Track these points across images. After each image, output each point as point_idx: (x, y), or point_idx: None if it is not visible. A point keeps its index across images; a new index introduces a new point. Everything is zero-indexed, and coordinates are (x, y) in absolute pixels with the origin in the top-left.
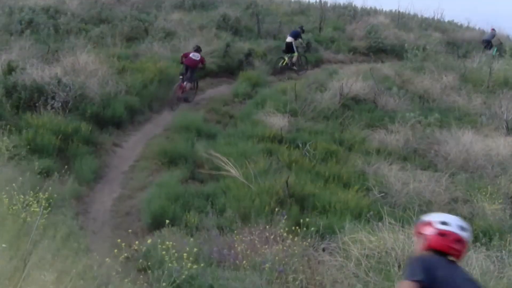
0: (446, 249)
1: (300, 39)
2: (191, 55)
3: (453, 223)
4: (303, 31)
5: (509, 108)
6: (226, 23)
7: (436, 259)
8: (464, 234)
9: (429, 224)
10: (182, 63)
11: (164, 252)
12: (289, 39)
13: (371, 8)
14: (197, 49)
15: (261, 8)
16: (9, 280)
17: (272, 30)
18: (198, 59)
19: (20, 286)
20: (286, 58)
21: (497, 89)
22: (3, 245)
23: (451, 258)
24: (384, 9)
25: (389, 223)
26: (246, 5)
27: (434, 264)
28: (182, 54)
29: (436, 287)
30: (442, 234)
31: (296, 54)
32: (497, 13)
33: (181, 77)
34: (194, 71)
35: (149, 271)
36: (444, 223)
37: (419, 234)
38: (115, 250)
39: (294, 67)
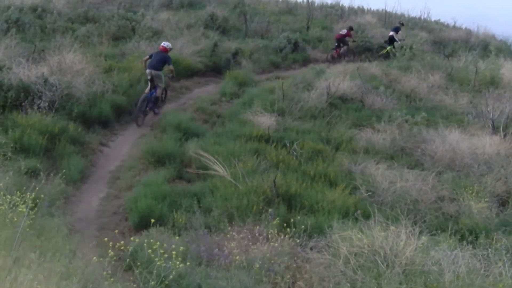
0: (161, 49)
1: (400, 33)
2: (341, 31)
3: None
4: (402, 24)
5: (495, 107)
6: (213, 23)
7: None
8: (166, 45)
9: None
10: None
11: (151, 251)
12: (391, 33)
13: (358, 7)
14: (349, 28)
15: (249, 7)
16: None
17: (260, 29)
18: (344, 33)
19: (7, 287)
20: (388, 48)
21: (483, 88)
22: None
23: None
24: (371, 9)
25: (378, 221)
26: (234, 5)
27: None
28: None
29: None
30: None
31: (390, 47)
32: (483, 13)
33: (335, 45)
34: (341, 42)
35: (137, 271)
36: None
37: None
38: (102, 250)
39: (391, 55)
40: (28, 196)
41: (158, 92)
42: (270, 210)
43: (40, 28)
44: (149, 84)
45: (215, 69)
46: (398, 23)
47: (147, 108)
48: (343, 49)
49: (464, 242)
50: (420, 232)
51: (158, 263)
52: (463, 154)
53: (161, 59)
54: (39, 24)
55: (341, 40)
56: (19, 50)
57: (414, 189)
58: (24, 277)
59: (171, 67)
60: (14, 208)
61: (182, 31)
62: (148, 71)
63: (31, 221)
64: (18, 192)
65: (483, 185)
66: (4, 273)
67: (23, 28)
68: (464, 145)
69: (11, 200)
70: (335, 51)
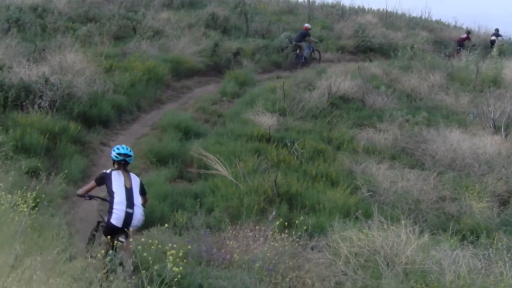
0: (304, 28)
1: (500, 37)
2: (461, 36)
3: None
4: (497, 30)
5: (496, 107)
6: (214, 22)
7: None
8: (307, 25)
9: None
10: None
11: (153, 251)
12: (493, 37)
13: (359, 7)
14: (467, 32)
15: (250, 7)
16: None
17: (261, 29)
18: (464, 37)
19: (8, 286)
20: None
21: (484, 88)
22: None
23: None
24: (372, 8)
25: (379, 221)
26: (235, 4)
27: None
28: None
29: None
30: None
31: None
32: (484, 13)
33: (457, 48)
34: (460, 45)
35: (138, 271)
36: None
37: None
38: (103, 250)
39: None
40: (29, 195)
41: (305, 53)
42: (270, 209)
43: (40, 28)
44: (298, 49)
45: (216, 69)
46: (495, 30)
47: (300, 61)
48: (462, 51)
49: (465, 242)
50: (421, 232)
51: (158, 263)
52: (464, 154)
53: (302, 35)
54: (39, 24)
55: (461, 43)
56: (19, 50)
57: (415, 189)
58: (26, 277)
59: (311, 38)
60: (15, 207)
61: (183, 31)
62: (294, 43)
63: (32, 220)
64: (19, 191)
65: (484, 185)
66: (5, 272)
67: (23, 28)
68: (465, 145)
69: (12, 199)
70: (456, 52)
